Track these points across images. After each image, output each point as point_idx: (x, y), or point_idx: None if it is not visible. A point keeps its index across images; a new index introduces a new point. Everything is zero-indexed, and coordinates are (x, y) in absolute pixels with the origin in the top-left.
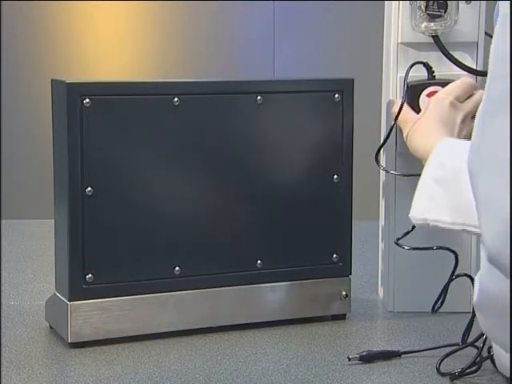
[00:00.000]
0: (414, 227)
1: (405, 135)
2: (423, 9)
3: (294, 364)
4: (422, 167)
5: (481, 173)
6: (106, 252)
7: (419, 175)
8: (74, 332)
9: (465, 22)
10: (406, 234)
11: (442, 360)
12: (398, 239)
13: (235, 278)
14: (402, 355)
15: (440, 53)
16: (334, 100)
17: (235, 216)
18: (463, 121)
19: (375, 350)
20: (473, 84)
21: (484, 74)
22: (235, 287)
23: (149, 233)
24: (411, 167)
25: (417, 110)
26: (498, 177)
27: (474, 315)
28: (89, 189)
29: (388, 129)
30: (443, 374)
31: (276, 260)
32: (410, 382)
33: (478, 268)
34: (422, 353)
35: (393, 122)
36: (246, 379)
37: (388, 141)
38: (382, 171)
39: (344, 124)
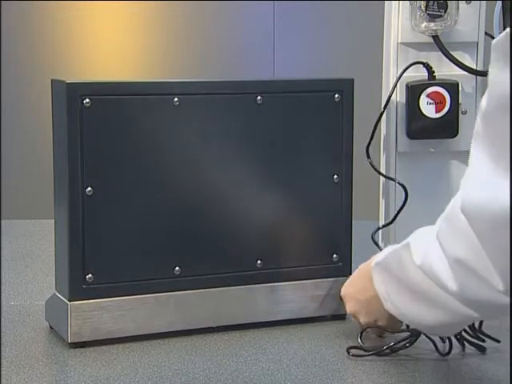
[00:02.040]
0: (388, 224)
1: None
2: (423, 9)
3: (293, 364)
4: (423, 167)
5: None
6: (105, 252)
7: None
8: (74, 332)
9: (465, 22)
10: (378, 229)
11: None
12: (374, 233)
13: (235, 278)
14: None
15: (440, 53)
16: (334, 100)
17: (235, 216)
18: None
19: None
20: None
21: (484, 74)
22: (235, 287)
23: (149, 233)
24: (411, 167)
25: (417, 110)
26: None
27: None
28: (89, 189)
29: (388, 128)
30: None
31: (276, 260)
32: (413, 382)
33: None
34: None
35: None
36: (246, 379)
37: (389, 141)
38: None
39: (344, 124)
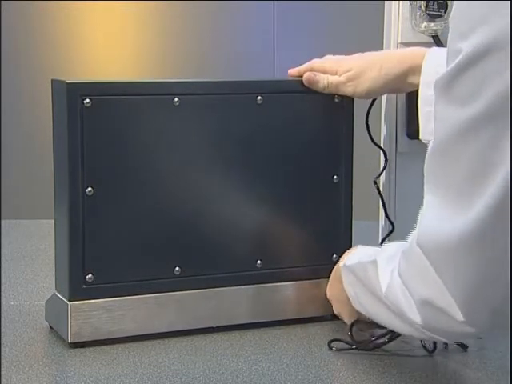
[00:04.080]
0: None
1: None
2: (423, 9)
3: (293, 364)
4: (423, 167)
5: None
6: (105, 252)
7: None
8: (74, 332)
9: None
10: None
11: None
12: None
13: (235, 278)
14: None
15: None
16: (334, 100)
17: (235, 216)
18: None
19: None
20: None
21: None
22: (235, 287)
23: (149, 233)
24: (411, 167)
25: (417, 110)
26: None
27: None
28: (89, 189)
29: (388, 128)
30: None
31: (276, 260)
32: (413, 382)
33: None
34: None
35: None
36: (246, 379)
37: (389, 141)
38: (382, 173)
39: (344, 124)
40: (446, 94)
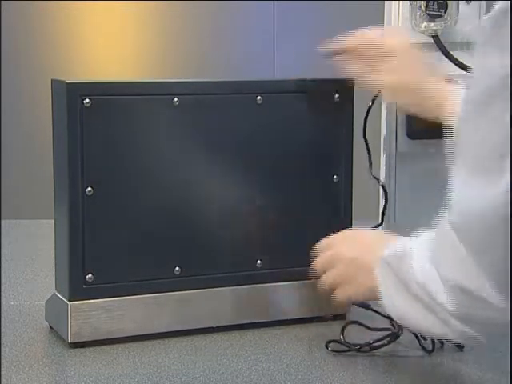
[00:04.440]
0: (377, 226)
1: None
2: (423, 9)
3: (293, 364)
4: (424, 167)
5: None
6: (105, 252)
7: None
8: (74, 332)
9: (465, 22)
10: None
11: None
12: None
13: (235, 278)
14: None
15: (440, 53)
16: (334, 100)
17: (235, 216)
18: None
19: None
20: None
21: None
22: (235, 287)
23: (149, 233)
24: (411, 167)
25: None
26: None
27: None
28: (89, 189)
29: (388, 128)
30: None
31: (276, 260)
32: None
33: None
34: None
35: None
36: (246, 379)
37: (389, 141)
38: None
39: (344, 124)
40: (490, 40)
